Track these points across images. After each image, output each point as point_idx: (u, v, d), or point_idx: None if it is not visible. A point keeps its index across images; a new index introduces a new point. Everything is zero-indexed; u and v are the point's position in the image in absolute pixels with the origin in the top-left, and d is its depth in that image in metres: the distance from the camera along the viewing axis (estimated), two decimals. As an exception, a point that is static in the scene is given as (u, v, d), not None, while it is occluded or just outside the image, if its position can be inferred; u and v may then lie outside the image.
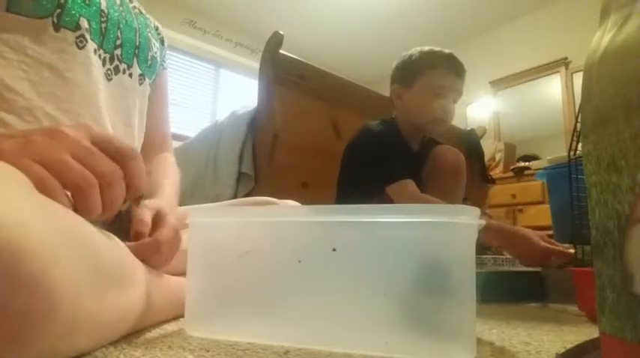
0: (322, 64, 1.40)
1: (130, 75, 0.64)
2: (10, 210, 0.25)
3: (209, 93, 3.84)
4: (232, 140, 1.35)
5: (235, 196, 1.29)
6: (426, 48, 1.11)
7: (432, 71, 1.07)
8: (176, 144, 1.86)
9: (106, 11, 0.57)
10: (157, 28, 0.76)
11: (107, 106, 0.59)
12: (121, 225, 0.50)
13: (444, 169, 1.10)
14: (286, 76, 1.28)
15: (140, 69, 0.66)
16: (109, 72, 0.60)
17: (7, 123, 0.47)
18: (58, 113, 0.51)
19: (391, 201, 0.99)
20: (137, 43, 0.64)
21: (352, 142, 1.14)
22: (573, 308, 0.66)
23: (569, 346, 0.41)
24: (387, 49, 3.85)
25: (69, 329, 0.28)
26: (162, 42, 0.78)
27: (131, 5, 0.68)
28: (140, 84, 0.67)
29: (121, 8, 0.62)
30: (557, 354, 0.39)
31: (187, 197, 1.52)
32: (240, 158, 1.31)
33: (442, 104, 1.07)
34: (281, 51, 1.24)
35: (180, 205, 0.71)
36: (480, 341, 0.44)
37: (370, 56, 4.09)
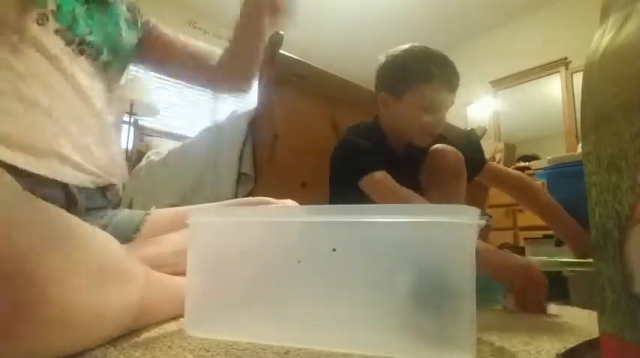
0: (322, 64, 1.40)
1: (94, 59, 0.66)
2: None
3: (209, 93, 3.84)
4: (232, 140, 1.35)
5: (235, 196, 1.29)
6: (417, 49, 1.00)
7: (426, 85, 0.96)
8: (176, 144, 1.86)
9: None
10: (135, 10, 0.80)
11: (62, 81, 0.60)
12: None
13: (444, 168, 1.06)
14: (286, 76, 1.28)
15: (107, 56, 0.68)
16: (74, 51, 0.62)
17: None
18: (8, 86, 0.53)
19: (367, 199, 0.90)
20: (108, 29, 0.68)
21: (335, 146, 1.07)
22: (573, 308, 0.66)
23: (569, 346, 0.41)
24: (386, 49, 3.85)
25: (59, 320, 0.29)
26: (135, 21, 0.80)
27: None
28: (105, 70, 0.69)
29: None
30: (557, 354, 0.39)
31: (187, 197, 1.51)
32: (240, 158, 1.31)
33: (432, 118, 0.98)
34: (281, 51, 1.24)
35: (180, 205, 0.71)
36: (480, 341, 0.44)
37: (370, 56, 4.08)
